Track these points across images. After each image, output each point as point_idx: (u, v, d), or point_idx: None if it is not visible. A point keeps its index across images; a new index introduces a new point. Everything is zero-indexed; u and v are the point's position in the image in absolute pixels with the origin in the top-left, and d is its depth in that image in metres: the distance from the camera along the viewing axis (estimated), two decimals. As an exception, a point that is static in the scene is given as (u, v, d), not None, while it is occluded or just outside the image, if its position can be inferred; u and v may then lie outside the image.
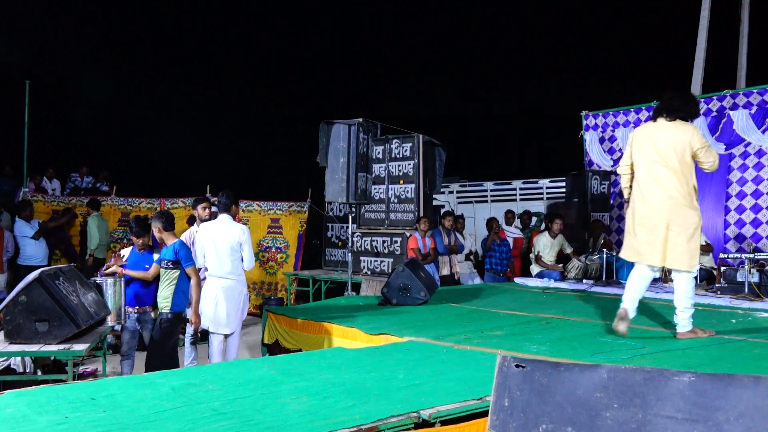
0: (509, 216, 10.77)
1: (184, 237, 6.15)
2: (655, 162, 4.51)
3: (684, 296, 4.56)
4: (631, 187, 4.80)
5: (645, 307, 6.11)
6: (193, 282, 5.16)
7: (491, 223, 9.46)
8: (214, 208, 6.17)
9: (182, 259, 5.11)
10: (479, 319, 5.57)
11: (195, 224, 6.28)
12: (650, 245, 4.53)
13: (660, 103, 4.67)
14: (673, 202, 4.46)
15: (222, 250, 5.50)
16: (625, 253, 4.80)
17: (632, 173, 4.76)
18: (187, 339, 6.52)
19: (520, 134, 18.50)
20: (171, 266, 5.12)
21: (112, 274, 5.30)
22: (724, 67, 11.74)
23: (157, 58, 15.91)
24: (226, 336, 5.65)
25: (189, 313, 5.33)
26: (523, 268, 9.88)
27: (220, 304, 5.49)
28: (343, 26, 19.24)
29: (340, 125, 7.28)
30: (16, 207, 9.00)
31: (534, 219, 11.15)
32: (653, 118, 4.68)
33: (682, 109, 4.55)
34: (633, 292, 4.66)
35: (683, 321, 4.60)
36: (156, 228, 5.21)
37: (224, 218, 5.62)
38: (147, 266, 5.32)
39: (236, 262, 5.57)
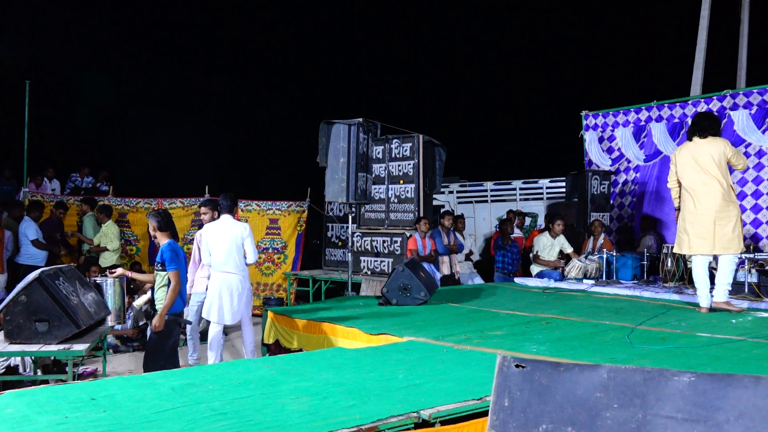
0: (511, 216, 10.78)
1: (196, 238, 6.34)
2: (698, 172, 5.72)
3: (727, 273, 5.74)
4: (679, 197, 6.00)
5: (645, 307, 6.12)
6: (171, 286, 4.99)
7: (506, 223, 9.51)
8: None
9: (165, 261, 5.01)
10: (479, 319, 5.57)
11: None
12: (701, 238, 5.69)
13: (692, 126, 5.89)
14: (717, 200, 5.62)
15: (226, 248, 5.90)
16: (679, 249, 5.95)
17: (679, 186, 5.97)
18: (188, 337, 6.56)
19: (520, 134, 18.48)
20: (160, 268, 5.06)
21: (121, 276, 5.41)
22: (724, 67, 11.74)
23: (157, 58, 15.88)
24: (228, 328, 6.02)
25: (187, 312, 5.34)
26: (523, 268, 9.89)
27: (224, 298, 5.88)
28: (344, 26, 19.23)
29: (340, 125, 7.28)
30: (27, 206, 8.96)
31: (528, 219, 11.17)
32: (689, 138, 5.90)
33: (713, 128, 5.78)
34: (703, 284, 5.79)
35: (721, 293, 5.76)
36: (151, 226, 5.13)
37: (226, 218, 6.04)
38: None
39: (240, 259, 5.98)
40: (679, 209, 6.05)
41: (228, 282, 5.89)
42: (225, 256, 5.90)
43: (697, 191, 5.73)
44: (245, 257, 6.01)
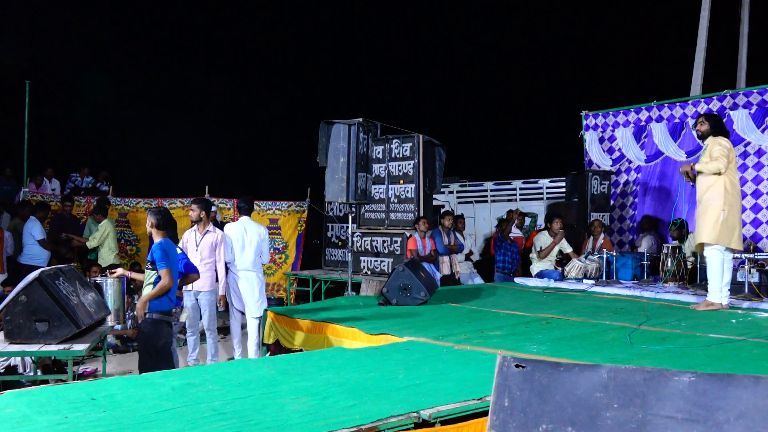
0: (512, 216, 10.77)
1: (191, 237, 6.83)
2: (735, 168, 5.88)
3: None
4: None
5: (645, 307, 6.11)
6: (160, 283, 4.82)
7: (506, 222, 9.50)
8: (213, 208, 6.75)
9: (156, 260, 4.88)
10: (479, 319, 5.57)
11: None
12: (740, 233, 5.85)
13: (721, 126, 5.93)
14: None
15: (249, 248, 6.65)
16: (728, 242, 5.73)
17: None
18: (188, 336, 6.56)
19: (520, 134, 18.48)
20: (151, 267, 4.93)
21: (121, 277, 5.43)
22: (724, 67, 11.74)
23: (157, 58, 15.88)
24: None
25: (187, 310, 5.32)
26: (523, 268, 9.90)
27: (246, 292, 6.64)
28: (344, 26, 19.23)
29: (340, 125, 7.27)
30: (34, 207, 8.95)
31: (528, 219, 11.17)
32: (726, 135, 5.93)
33: None
34: (721, 281, 5.80)
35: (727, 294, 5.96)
36: (149, 223, 5.01)
37: (246, 220, 6.75)
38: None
39: (257, 257, 6.72)
40: (694, 184, 5.92)
41: (250, 278, 6.65)
42: (248, 255, 6.63)
43: (737, 186, 5.91)
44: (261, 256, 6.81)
